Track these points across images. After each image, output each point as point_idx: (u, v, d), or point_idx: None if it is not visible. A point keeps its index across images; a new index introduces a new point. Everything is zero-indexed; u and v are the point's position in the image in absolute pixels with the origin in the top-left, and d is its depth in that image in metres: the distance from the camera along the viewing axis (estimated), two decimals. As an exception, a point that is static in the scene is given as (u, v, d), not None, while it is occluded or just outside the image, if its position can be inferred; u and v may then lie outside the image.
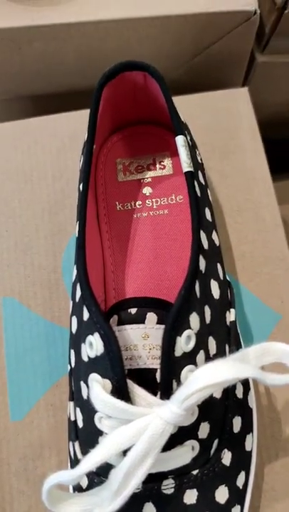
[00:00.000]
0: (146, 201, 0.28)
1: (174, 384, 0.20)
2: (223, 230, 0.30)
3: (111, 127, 0.29)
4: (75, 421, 0.24)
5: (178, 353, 0.20)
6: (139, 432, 0.19)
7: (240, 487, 0.23)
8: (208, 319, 0.23)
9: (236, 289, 0.29)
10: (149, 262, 0.27)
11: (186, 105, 0.30)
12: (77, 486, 0.23)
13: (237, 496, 0.23)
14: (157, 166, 0.29)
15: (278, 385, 0.20)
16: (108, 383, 0.20)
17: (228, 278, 0.26)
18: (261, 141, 0.32)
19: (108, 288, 0.26)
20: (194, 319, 0.21)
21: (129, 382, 0.20)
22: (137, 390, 0.20)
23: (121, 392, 0.20)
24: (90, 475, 0.23)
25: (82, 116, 0.32)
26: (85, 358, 0.22)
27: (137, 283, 0.26)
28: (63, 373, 0.28)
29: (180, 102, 0.28)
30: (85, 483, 0.23)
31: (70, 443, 0.24)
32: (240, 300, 0.29)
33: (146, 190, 0.29)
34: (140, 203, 0.29)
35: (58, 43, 0.31)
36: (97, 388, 0.20)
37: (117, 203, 0.29)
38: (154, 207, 0.28)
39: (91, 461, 0.19)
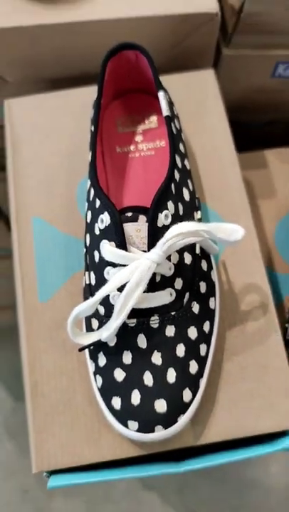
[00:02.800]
0: (138, 146, 0.39)
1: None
2: (194, 168, 0.40)
3: (113, 94, 0.40)
4: (89, 284, 0.33)
5: (160, 224, 0.30)
6: (133, 270, 0.29)
7: (206, 332, 0.33)
8: (181, 212, 0.33)
9: (204, 210, 0.39)
10: (141, 187, 0.37)
11: (164, 82, 0.40)
12: (90, 329, 0.33)
13: (204, 337, 0.33)
14: (146, 121, 0.40)
15: (225, 240, 0.30)
16: (113, 244, 0.30)
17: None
18: (223, 106, 0.42)
19: (111, 203, 0.37)
20: (170, 205, 0.32)
21: (127, 244, 0.30)
22: (133, 250, 0.30)
23: (122, 248, 0.30)
24: (100, 318, 0.32)
25: (92, 90, 0.43)
26: (97, 232, 0.32)
27: (131, 200, 0.37)
28: (78, 269, 0.37)
29: (161, 79, 0.38)
30: (96, 325, 0.33)
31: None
32: (206, 217, 0.39)
33: (138, 138, 0.39)
34: (134, 147, 0.39)
35: (71, 36, 0.42)
36: (107, 245, 0.30)
37: (117, 146, 0.39)
38: (144, 150, 0.39)
39: (100, 293, 0.29)
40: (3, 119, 0.45)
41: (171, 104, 0.38)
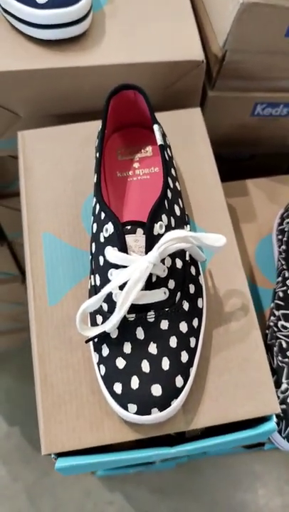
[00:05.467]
0: (136, 171, 0.45)
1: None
2: (184, 191, 0.47)
3: (114, 127, 0.46)
4: (95, 285, 0.39)
5: (155, 232, 0.36)
6: (133, 270, 0.34)
7: (195, 327, 0.38)
8: (173, 224, 0.39)
9: (192, 227, 0.45)
10: (138, 205, 0.43)
11: (158, 118, 0.46)
12: (95, 324, 0.38)
13: (193, 331, 0.38)
14: (142, 150, 0.46)
15: (210, 245, 0.36)
16: (116, 249, 0.36)
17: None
18: (208, 138, 0.49)
19: (112, 219, 0.42)
20: (164, 218, 0.37)
21: (128, 250, 0.36)
22: (132, 254, 0.36)
23: (123, 252, 0.35)
24: (103, 313, 0.37)
25: (94, 125, 0.49)
26: (102, 240, 0.37)
27: (130, 216, 0.42)
28: (84, 277, 0.43)
29: (156, 116, 0.45)
30: (100, 321, 0.38)
31: (91, 304, 0.39)
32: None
33: (136, 165, 0.46)
34: (132, 172, 0.45)
35: (76, 78, 0.49)
36: (110, 250, 0.36)
37: (117, 172, 0.45)
38: (141, 174, 0.45)
39: (105, 289, 0.35)
40: (14, 151, 0.51)
41: (164, 135, 0.44)
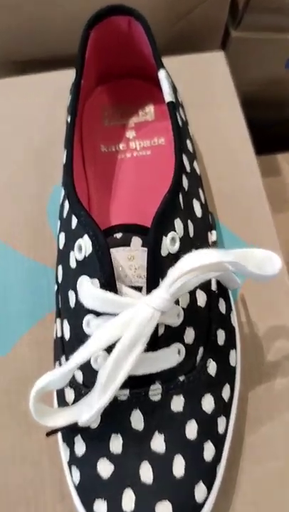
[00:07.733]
0: (130, 143, 0.31)
1: (160, 282, 0.21)
2: (203, 175, 0.32)
3: (97, 76, 0.32)
4: (62, 336, 0.24)
5: (164, 252, 0.21)
6: (126, 322, 0.20)
7: (226, 400, 0.24)
8: (191, 233, 0.24)
9: (218, 231, 0.30)
10: (134, 198, 0.29)
11: (167, 65, 0.32)
12: (63, 402, 0.24)
13: (223, 407, 0.24)
14: (140, 112, 0.32)
15: (258, 275, 0.21)
16: (96, 282, 0.21)
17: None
18: (237, 97, 0.34)
19: (94, 221, 0.27)
20: (179, 224, 0.23)
21: (117, 282, 0.21)
22: (125, 289, 0.21)
23: (109, 288, 0.21)
24: (77, 387, 0.23)
25: (69, 74, 0.34)
26: (73, 265, 0.22)
27: (121, 216, 0.28)
28: (49, 311, 0.28)
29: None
30: (71, 397, 0.23)
31: (56, 363, 0.24)
32: (220, 239, 0.30)
33: (130, 134, 0.32)
34: (124, 145, 0.31)
35: (49, 7, 0.34)
36: (87, 284, 0.21)
37: (102, 145, 0.31)
38: (138, 148, 0.31)
39: (78, 357, 0.20)
40: None
41: (174, 88, 0.29)
